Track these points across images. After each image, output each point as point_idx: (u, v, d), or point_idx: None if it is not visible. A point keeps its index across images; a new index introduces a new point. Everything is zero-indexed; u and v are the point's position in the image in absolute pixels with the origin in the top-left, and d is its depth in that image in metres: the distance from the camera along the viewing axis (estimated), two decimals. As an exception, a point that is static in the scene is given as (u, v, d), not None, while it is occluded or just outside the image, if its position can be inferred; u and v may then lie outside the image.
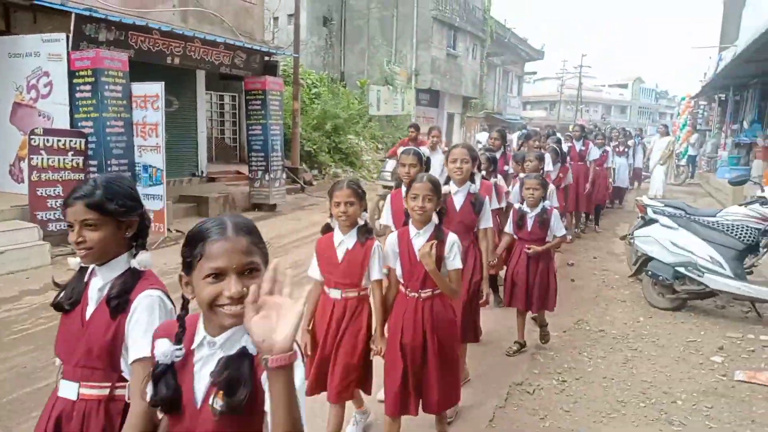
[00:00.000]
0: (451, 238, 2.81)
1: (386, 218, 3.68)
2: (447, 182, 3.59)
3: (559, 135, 9.95)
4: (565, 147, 8.54)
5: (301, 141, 14.56)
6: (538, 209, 4.31)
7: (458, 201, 3.60)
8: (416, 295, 2.82)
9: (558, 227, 4.35)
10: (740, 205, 5.87)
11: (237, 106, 14.75)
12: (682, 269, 5.44)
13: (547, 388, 3.99)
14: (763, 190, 5.52)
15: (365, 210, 2.88)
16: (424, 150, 4.32)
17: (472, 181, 3.71)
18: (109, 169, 7.71)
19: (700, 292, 5.47)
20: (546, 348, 4.69)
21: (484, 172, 4.78)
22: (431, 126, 7.11)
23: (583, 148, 9.18)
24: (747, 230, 5.35)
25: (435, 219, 2.82)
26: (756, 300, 5.32)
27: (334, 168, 16.50)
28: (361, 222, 2.85)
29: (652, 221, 5.87)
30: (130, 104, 8.03)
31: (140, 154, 8.19)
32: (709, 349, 4.68)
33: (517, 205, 4.47)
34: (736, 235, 5.38)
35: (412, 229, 2.85)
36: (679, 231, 5.61)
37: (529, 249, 4.29)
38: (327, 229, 2.94)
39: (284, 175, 11.84)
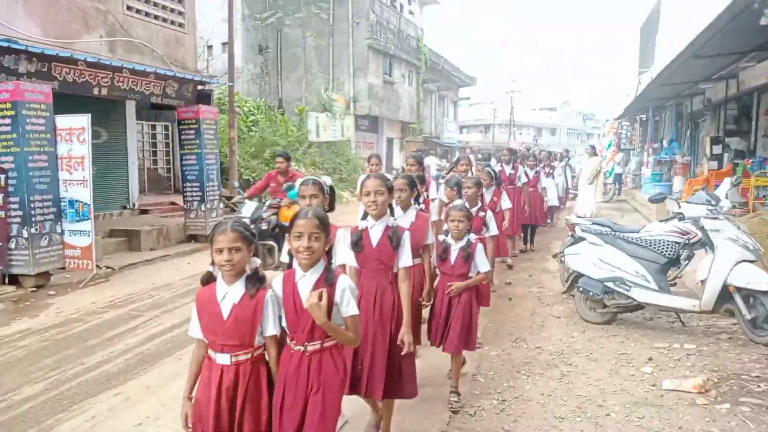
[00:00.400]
0: (343, 282, 2.46)
1: (286, 256, 3.34)
2: (364, 217, 3.34)
3: (494, 159, 10.18)
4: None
5: (239, 169, 14.37)
6: (462, 242, 4.03)
7: (375, 236, 3.23)
8: (302, 348, 2.43)
9: (482, 261, 4.07)
10: (661, 221, 6.21)
11: (170, 136, 14.43)
12: (610, 284, 5.67)
13: (487, 408, 4.03)
14: (680, 207, 5.85)
15: (255, 255, 2.47)
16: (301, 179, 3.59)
17: (392, 213, 3.44)
18: (32, 205, 7.36)
19: (628, 305, 5.71)
20: (486, 368, 4.76)
21: (422, 204, 4.62)
22: (371, 153, 6.98)
23: (512, 171, 9.24)
24: (668, 245, 5.66)
25: (323, 260, 2.48)
26: (679, 310, 5.60)
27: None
28: (249, 270, 2.43)
29: (581, 239, 6.12)
30: (54, 137, 7.71)
31: (66, 188, 7.84)
32: (639, 361, 4.86)
33: (441, 237, 4.18)
34: (658, 249, 5.68)
35: (297, 272, 2.47)
36: (605, 248, 5.87)
37: (451, 286, 4.01)
38: (209, 279, 2.47)
39: (222, 205, 11.62)
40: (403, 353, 3.20)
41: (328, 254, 2.51)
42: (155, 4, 11.50)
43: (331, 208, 3.42)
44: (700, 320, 5.89)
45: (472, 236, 4.11)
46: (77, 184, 7.82)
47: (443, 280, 4.08)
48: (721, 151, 12.04)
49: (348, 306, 2.44)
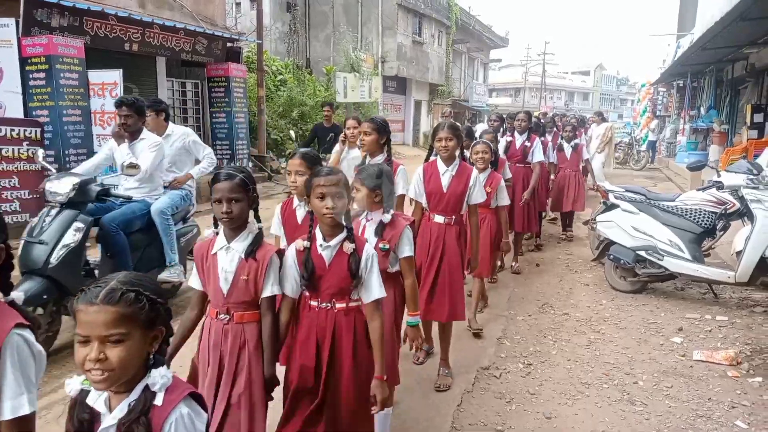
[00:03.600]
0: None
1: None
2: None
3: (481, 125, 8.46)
4: (503, 142, 6.73)
5: (267, 129, 14.38)
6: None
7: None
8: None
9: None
10: (698, 190, 6.04)
11: (200, 94, 14.43)
12: (642, 253, 5.59)
13: (513, 371, 4.06)
14: (719, 175, 5.67)
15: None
16: None
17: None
18: (67, 159, 7.49)
19: (660, 274, 5.62)
20: (512, 332, 4.77)
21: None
22: (347, 116, 6.18)
23: (528, 144, 6.72)
24: (704, 214, 5.52)
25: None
26: (713, 281, 5.50)
27: (300, 156, 16.30)
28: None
29: (614, 206, 6.00)
30: (87, 92, 7.80)
31: (99, 143, 7.96)
32: (669, 330, 4.82)
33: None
34: (693, 219, 5.55)
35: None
36: (639, 216, 5.75)
37: None
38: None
39: (250, 164, 11.69)
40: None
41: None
42: (185, -41, 11.37)
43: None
44: (733, 292, 5.79)
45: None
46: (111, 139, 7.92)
47: None
48: (763, 119, 11.59)
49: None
